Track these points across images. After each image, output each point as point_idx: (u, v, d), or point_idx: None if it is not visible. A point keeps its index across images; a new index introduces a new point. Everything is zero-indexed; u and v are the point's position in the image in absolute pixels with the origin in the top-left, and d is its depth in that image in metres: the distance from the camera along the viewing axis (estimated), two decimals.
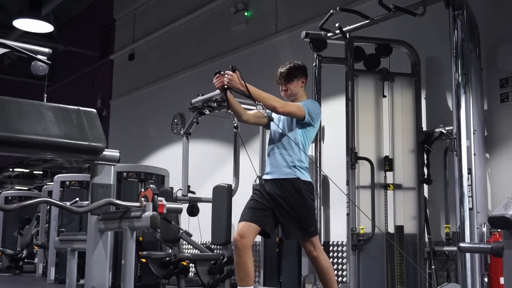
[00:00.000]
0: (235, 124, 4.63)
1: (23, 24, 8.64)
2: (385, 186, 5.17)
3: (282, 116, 3.93)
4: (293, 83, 4.04)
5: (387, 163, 5.20)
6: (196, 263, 5.72)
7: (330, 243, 6.12)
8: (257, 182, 5.91)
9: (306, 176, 3.82)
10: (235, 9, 8.07)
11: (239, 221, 3.77)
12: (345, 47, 5.33)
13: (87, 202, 3.39)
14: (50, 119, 3.02)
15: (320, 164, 5.30)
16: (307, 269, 5.65)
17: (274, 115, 3.95)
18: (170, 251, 6.02)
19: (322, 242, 5.88)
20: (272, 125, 3.99)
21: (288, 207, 3.76)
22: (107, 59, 11.64)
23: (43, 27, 8.74)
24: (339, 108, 5.57)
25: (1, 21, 11.18)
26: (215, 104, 6.35)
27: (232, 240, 3.87)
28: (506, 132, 4.95)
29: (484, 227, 4.27)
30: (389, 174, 5.21)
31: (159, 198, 3.01)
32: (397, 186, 5.20)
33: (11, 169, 18.94)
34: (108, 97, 11.54)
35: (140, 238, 6.40)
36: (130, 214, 3.07)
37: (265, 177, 3.91)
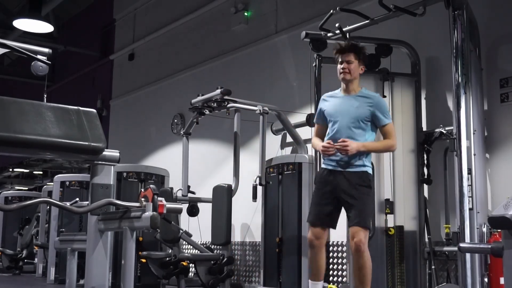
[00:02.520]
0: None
1: (23, 24, 8.64)
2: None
3: None
4: (356, 64, 3.93)
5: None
6: (196, 263, 5.73)
7: (330, 243, 6.12)
8: (257, 182, 5.91)
9: None
10: (235, 9, 8.07)
11: None
12: None
13: (87, 202, 3.39)
14: (50, 119, 3.02)
15: (320, 164, 5.28)
16: (307, 269, 5.66)
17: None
18: (170, 251, 6.03)
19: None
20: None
21: None
22: (107, 59, 11.64)
23: (43, 27, 8.74)
24: None
25: (1, 21, 11.18)
26: (215, 104, 6.35)
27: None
28: (506, 132, 4.95)
29: (484, 227, 4.27)
30: (389, 174, 5.20)
31: (159, 198, 3.01)
32: (397, 187, 5.19)
33: (11, 169, 18.93)
34: (108, 97, 11.54)
35: (140, 238, 6.40)
36: (130, 214, 3.07)
37: None
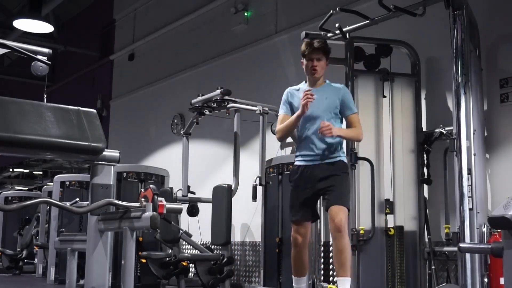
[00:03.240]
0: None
1: (23, 24, 8.63)
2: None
3: None
4: (324, 62, 4.07)
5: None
6: (196, 263, 5.72)
7: (330, 243, 6.12)
8: (257, 182, 5.91)
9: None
10: (235, 9, 8.07)
11: None
12: (345, 47, 5.32)
13: (87, 202, 3.39)
14: (50, 119, 3.02)
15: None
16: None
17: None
18: (170, 251, 6.03)
19: (322, 242, 5.88)
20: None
21: None
22: (107, 59, 11.64)
23: (43, 27, 8.74)
24: None
25: (1, 21, 11.18)
26: (215, 104, 6.35)
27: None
28: (506, 132, 4.95)
29: (484, 227, 4.27)
30: (389, 174, 5.20)
31: (159, 198, 3.01)
32: (397, 187, 5.19)
33: (11, 169, 18.94)
34: (108, 97, 11.54)
35: (140, 238, 6.40)
36: (130, 215, 3.07)
37: None
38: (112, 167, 3.32)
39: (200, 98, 6.43)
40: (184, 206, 5.95)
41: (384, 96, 5.32)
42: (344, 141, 4.19)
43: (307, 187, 3.95)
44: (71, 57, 13.07)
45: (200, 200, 6.57)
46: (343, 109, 3.99)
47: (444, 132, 5.04)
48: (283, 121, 4.03)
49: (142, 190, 3.21)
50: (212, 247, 6.43)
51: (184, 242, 6.43)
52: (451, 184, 4.87)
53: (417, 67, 5.45)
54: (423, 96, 5.45)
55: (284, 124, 4.03)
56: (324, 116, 3.93)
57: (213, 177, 7.79)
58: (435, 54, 5.52)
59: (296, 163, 4.06)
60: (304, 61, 4.03)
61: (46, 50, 3.47)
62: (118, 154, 3.32)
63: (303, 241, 3.97)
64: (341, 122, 4.07)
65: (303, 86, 4.12)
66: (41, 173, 19.02)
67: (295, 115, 3.93)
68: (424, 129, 5.34)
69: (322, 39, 4.13)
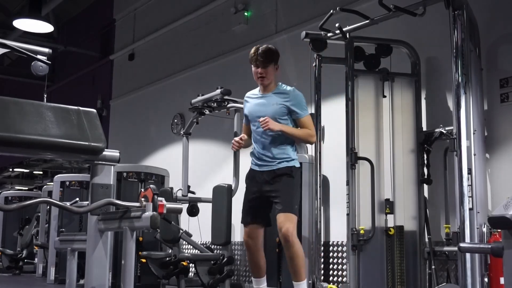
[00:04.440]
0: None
1: (23, 24, 8.64)
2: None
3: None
4: (272, 69, 4.04)
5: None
6: (196, 263, 5.73)
7: (330, 243, 6.12)
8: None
9: None
10: (235, 9, 8.07)
11: None
12: (345, 47, 5.33)
13: (87, 202, 3.39)
14: (50, 119, 3.02)
15: (320, 164, 5.29)
16: (307, 269, 5.65)
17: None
18: (170, 251, 6.03)
19: (322, 242, 5.88)
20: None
21: None
22: (107, 59, 11.64)
23: (43, 27, 8.74)
24: (339, 108, 5.57)
25: (1, 21, 11.18)
26: (215, 104, 6.35)
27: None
28: (506, 132, 4.95)
29: (484, 227, 4.27)
30: (389, 174, 5.20)
31: (159, 198, 3.01)
32: (397, 187, 5.19)
33: (11, 169, 18.94)
34: (108, 97, 11.54)
35: (140, 238, 6.40)
36: (130, 214, 3.07)
37: None
38: (112, 167, 3.31)
39: (200, 98, 6.43)
40: (184, 206, 5.95)
41: (384, 96, 5.33)
42: (295, 146, 4.14)
43: (254, 190, 4.05)
44: (71, 57, 13.07)
45: (200, 200, 6.57)
46: (292, 114, 3.98)
47: (444, 132, 5.04)
48: (245, 131, 4.17)
49: (142, 190, 3.21)
50: (212, 247, 6.43)
51: (184, 242, 6.43)
52: (451, 184, 4.87)
53: (417, 67, 5.45)
54: (423, 96, 5.45)
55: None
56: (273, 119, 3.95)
57: (213, 177, 7.78)
58: (435, 54, 5.52)
59: (250, 166, 4.16)
60: (252, 68, 4.01)
61: (46, 50, 3.47)
62: (118, 154, 3.32)
63: (253, 244, 4.01)
64: (296, 126, 4.07)
65: (257, 92, 4.14)
66: (41, 173, 19.03)
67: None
68: (424, 129, 5.33)
69: (268, 46, 4.08)
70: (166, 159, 8.85)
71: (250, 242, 4.00)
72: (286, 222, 3.81)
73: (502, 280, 4.02)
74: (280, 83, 4.11)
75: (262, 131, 4.01)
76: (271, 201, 4.04)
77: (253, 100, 4.10)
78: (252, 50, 4.01)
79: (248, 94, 4.23)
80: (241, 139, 4.03)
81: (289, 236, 3.78)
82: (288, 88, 4.07)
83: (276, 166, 3.97)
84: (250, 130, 4.21)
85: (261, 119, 3.86)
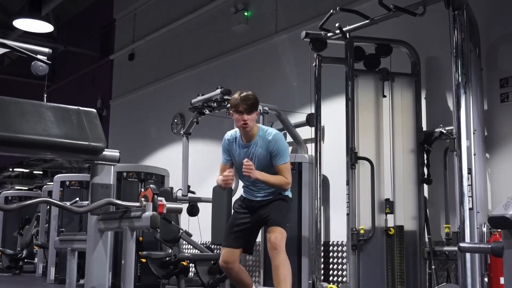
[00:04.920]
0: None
1: (23, 24, 8.64)
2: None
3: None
4: (254, 115, 3.97)
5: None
6: (196, 263, 5.72)
7: (330, 243, 6.13)
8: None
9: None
10: (235, 9, 8.07)
11: None
12: (345, 47, 5.33)
13: (87, 202, 3.39)
14: (50, 119, 3.02)
15: (320, 164, 5.29)
16: (307, 269, 5.65)
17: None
18: (170, 251, 6.02)
19: (322, 242, 5.88)
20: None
21: None
22: (107, 59, 11.64)
23: (43, 27, 8.74)
24: (339, 108, 5.58)
25: (1, 21, 11.18)
26: (215, 104, 6.35)
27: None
28: (506, 132, 4.95)
29: (484, 227, 4.27)
30: (389, 174, 5.20)
31: (159, 198, 3.01)
32: (397, 187, 5.19)
33: (11, 169, 18.94)
34: (108, 97, 11.54)
35: (140, 238, 6.40)
36: (130, 214, 3.07)
37: None
38: (112, 166, 3.31)
39: (200, 98, 6.43)
40: (184, 206, 5.95)
41: (384, 96, 5.33)
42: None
43: (246, 216, 4.06)
44: (71, 57, 13.07)
45: (200, 200, 6.57)
46: (272, 159, 3.99)
47: (444, 131, 5.04)
48: (222, 171, 4.13)
49: (142, 189, 3.22)
50: (212, 247, 6.43)
51: (184, 242, 6.43)
52: (451, 184, 4.87)
53: (417, 67, 5.45)
54: (423, 96, 5.45)
55: (219, 181, 4.12)
56: (258, 169, 3.97)
57: (213, 177, 7.73)
58: (435, 54, 5.52)
59: (242, 194, 4.19)
60: (234, 114, 3.96)
61: (46, 49, 3.47)
62: (118, 154, 3.32)
63: (232, 268, 4.01)
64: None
65: (239, 137, 4.08)
66: (41, 172, 19.02)
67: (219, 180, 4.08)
68: (424, 128, 5.33)
69: (251, 95, 3.96)
70: (166, 159, 8.85)
71: (226, 266, 4.01)
72: (275, 232, 3.87)
73: (502, 280, 4.02)
74: (260, 127, 4.06)
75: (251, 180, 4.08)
76: (260, 227, 4.12)
77: (238, 149, 4.07)
78: (236, 97, 3.96)
79: (228, 137, 4.15)
80: (229, 171, 4.00)
81: (277, 244, 3.82)
82: (270, 133, 4.02)
83: (270, 197, 4.05)
84: (230, 167, 4.21)
85: (245, 162, 3.88)
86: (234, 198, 6.03)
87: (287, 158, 4.03)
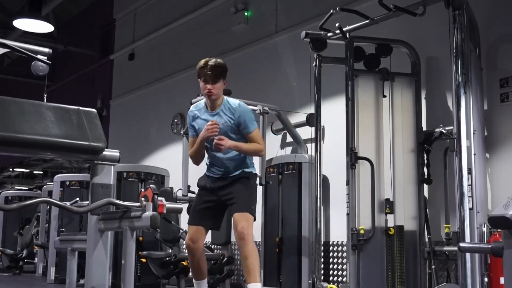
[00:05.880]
0: None
1: (23, 24, 8.63)
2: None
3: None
4: (219, 83, 3.94)
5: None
6: None
7: (330, 243, 6.13)
8: (257, 181, 5.91)
9: None
10: (235, 9, 8.07)
11: None
12: (345, 47, 5.33)
13: (87, 202, 3.39)
14: (50, 119, 3.02)
15: (320, 164, 5.29)
16: (307, 269, 5.65)
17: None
18: (170, 251, 6.03)
19: (322, 242, 5.88)
20: None
21: None
22: (107, 59, 11.64)
23: (43, 27, 8.73)
24: (339, 108, 5.58)
25: (1, 21, 11.18)
26: None
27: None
28: (506, 132, 4.95)
29: (484, 227, 4.27)
30: (389, 174, 5.20)
31: (159, 198, 3.01)
32: (397, 186, 5.19)
33: (11, 169, 18.93)
34: (108, 97, 11.54)
35: (140, 238, 6.40)
36: (130, 214, 3.07)
37: None
38: (112, 166, 3.32)
39: (200, 98, 6.42)
40: (184, 206, 5.95)
41: (384, 96, 5.33)
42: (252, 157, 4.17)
43: (209, 195, 4.04)
44: (71, 57, 13.07)
45: None
46: (241, 129, 3.98)
47: (444, 131, 5.04)
48: (193, 144, 4.10)
49: (142, 189, 3.22)
50: (212, 246, 6.43)
51: (184, 242, 6.42)
52: (451, 184, 4.87)
53: (417, 67, 5.45)
54: (423, 95, 5.45)
55: (193, 150, 4.10)
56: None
57: None
58: (435, 54, 5.52)
59: (206, 173, 4.17)
60: (200, 82, 3.93)
61: (46, 49, 3.47)
62: (118, 154, 3.32)
63: (197, 248, 4.00)
64: (245, 138, 4.06)
65: (203, 108, 4.06)
66: (41, 172, 19.02)
67: (198, 141, 3.99)
68: (424, 128, 5.34)
69: (217, 61, 3.93)
70: (166, 159, 8.85)
71: (193, 246, 3.98)
72: (242, 220, 3.82)
73: (502, 280, 4.02)
74: (225, 98, 4.04)
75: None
76: (226, 206, 4.06)
77: (202, 117, 4.04)
78: (202, 64, 3.90)
79: (193, 108, 4.11)
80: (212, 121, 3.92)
81: (244, 234, 3.78)
82: (235, 103, 4.02)
83: (232, 173, 4.01)
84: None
85: (216, 139, 3.85)
86: None
87: (255, 124, 4.03)
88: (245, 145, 3.97)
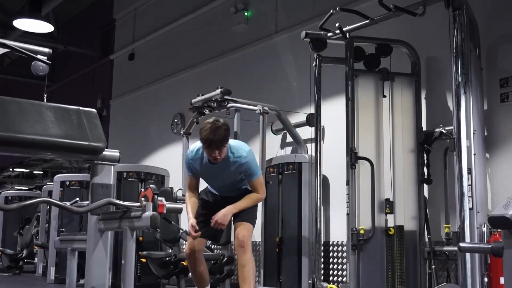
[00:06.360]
0: None
1: (23, 24, 8.63)
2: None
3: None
4: (225, 148, 3.87)
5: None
6: None
7: (330, 243, 6.12)
8: None
9: None
10: (235, 9, 8.07)
11: None
12: (345, 47, 5.33)
13: (87, 202, 3.39)
14: (50, 119, 3.02)
15: (320, 164, 5.29)
16: (307, 269, 5.65)
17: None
18: (170, 251, 6.02)
19: (322, 242, 5.88)
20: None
21: None
22: (107, 59, 11.64)
23: (43, 27, 8.73)
24: (339, 108, 5.58)
25: (1, 21, 11.17)
26: (215, 104, 6.35)
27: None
28: (506, 132, 4.95)
29: (484, 227, 4.27)
30: (389, 174, 5.20)
31: (159, 198, 3.02)
32: (397, 187, 5.19)
33: (11, 169, 18.93)
34: (108, 97, 11.54)
35: (140, 238, 6.40)
36: (130, 214, 3.08)
37: None
38: (112, 166, 3.32)
39: (200, 97, 6.44)
40: (184, 206, 5.94)
41: (384, 96, 5.33)
42: None
43: (213, 207, 4.07)
44: (71, 57, 13.07)
45: None
46: (245, 175, 4.01)
47: (444, 131, 5.04)
48: (190, 184, 4.15)
49: (142, 189, 3.22)
50: (212, 246, 6.43)
51: (184, 242, 6.42)
52: (451, 184, 4.87)
53: (417, 67, 5.45)
54: (423, 95, 5.45)
55: (187, 202, 4.13)
56: (231, 187, 4.07)
57: None
58: (435, 54, 5.52)
59: (208, 188, 4.25)
60: (204, 147, 3.83)
61: (46, 49, 3.47)
62: (118, 154, 3.33)
63: (198, 257, 4.05)
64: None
65: (200, 156, 3.98)
66: (41, 172, 19.02)
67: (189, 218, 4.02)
68: (424, 128, 5.34)
69: (222, 129, 3.77)
70: (166, 159, 8.85)
71: (193, 255, 4.03)
72: (243, 230, 3.93)
73: (502, 280, 4.02)
74: (229, 148, 3.91)
75: (219, 184, 4.10)
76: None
77: (203, 167, 3.99)
78: (206, 132, 3.72)
79: (191, 157, 4.02)
80: (194, 228, 3.93)
81: (244, 242, 3.88)
82: (239, 152, 3.94)
83: (235, 193, 4.10)
84: (197, 180, 4.17)
85: (213, 221, 3.89)
86: None
87: (259, 172, 4.10)
88: (244, 203, 4.02)
